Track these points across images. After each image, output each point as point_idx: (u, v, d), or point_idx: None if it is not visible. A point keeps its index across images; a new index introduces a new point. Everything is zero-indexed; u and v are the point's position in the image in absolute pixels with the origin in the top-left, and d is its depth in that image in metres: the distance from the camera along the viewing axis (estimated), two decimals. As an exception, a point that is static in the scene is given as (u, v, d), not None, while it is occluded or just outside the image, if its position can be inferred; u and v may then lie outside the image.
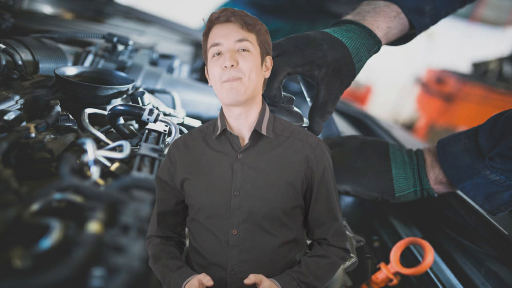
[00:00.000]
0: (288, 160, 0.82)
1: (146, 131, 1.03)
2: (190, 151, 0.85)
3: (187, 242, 0.90)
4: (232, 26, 0.80)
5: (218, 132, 0.83)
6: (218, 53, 0.80)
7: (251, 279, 0.76)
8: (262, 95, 0.96)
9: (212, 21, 0.82)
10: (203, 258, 0.81)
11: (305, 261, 0.81)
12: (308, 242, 0.90)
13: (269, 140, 0.83)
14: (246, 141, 0.82)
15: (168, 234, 0.88)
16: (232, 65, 0.77)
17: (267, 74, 0.86)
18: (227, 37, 0.79)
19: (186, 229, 0.89)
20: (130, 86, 1.23)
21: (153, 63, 1.97)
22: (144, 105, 1.22)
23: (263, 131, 0.82)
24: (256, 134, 0.82)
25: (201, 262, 0.81)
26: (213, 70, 0.80)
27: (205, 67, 0.86)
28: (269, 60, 0.86)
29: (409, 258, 1.21)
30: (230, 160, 0.81)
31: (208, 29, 0.82)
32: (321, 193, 0.83)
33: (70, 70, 1.24)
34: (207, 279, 0.76)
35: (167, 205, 0.86)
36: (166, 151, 0.96)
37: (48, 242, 0.56)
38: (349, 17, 1.16)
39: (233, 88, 0.77)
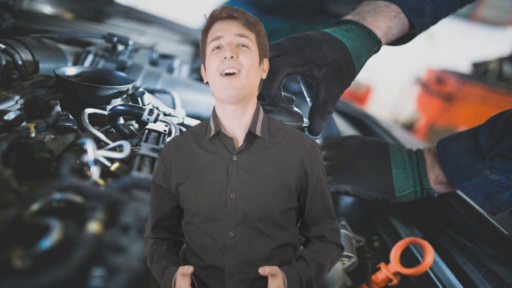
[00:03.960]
0: (283, 161, 0.81)
1: (146, 131, 1.03)
2: (183, 154, 0.83)
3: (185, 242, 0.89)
4: (234, 22, 0.80)
5: (212, 133, 0.81)
6: (218, 47, 0.79)
7: (266, 271, 0.75)
8: (262, 94, 0.96)
9: (214, 17, 0.81)
10: (201, 260, 0.81)
11: (305, 256, 0.81)
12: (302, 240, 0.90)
13: (263, 141, 0.81)
14: (241, 142, 0.81)
15: (164, 236, 0.88)
16: (232, 57, 0.77)
17: (264, 76, 0.85)
18: (228, 31, 0.79)
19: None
20: (130, 86, 1.23)
21: (153, 63, 1.97)
22: (144, 105, 1.22)
23: (258, 132, 0.80)
24: (250, 135, 0.81)
25: (200, 263, 0.81)
26: (212, 63, 0.78)
27: (202, 65, 0.85)
28: (266, 62, 0.86)
29: (409, 258, 1.21)
30: (225, 162, 0.80)
31: (209, 25, 0.82)
32: (317, 194, 0.83)
33: (70, 70, 1.24)
34: (185, 269, 0.77)
35: (163, 210, 0.85)
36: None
37: (48, 242, 0.56)
38: (349, 17, 1.16)
39: (231, 84, 0.76)
